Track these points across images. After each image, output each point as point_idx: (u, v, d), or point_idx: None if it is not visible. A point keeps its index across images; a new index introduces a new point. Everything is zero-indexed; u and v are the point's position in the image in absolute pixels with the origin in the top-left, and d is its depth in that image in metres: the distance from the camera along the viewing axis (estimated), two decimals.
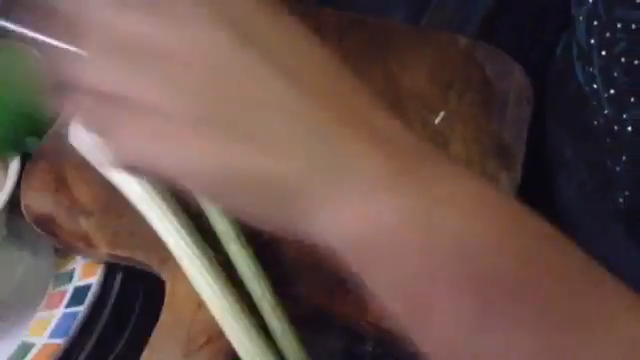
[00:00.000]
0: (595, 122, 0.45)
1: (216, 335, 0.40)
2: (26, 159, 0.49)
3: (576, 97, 0.48)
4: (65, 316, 0.45)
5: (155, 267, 0.44)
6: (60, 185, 0.48)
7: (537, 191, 0.50)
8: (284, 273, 0.43)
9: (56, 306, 0.46)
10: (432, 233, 0.26)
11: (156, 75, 0.26)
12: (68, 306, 0.45)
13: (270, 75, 0.26)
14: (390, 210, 0.26)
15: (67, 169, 0.48)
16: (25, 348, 0.44)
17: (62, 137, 0.49)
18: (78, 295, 0.45)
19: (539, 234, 0.26)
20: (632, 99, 0.41)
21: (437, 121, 0.51)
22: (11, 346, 0.45)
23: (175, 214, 0.43)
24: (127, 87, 0.26)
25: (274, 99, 0.26)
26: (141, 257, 0.44)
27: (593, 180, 0.47)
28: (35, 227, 0.46)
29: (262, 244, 0.44)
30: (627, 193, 0.43)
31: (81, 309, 0.44)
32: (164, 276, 0.43)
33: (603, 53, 0.43)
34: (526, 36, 0.62)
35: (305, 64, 0.27)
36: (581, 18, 0.46)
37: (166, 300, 0.42)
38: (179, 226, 0.43)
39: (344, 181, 0.26)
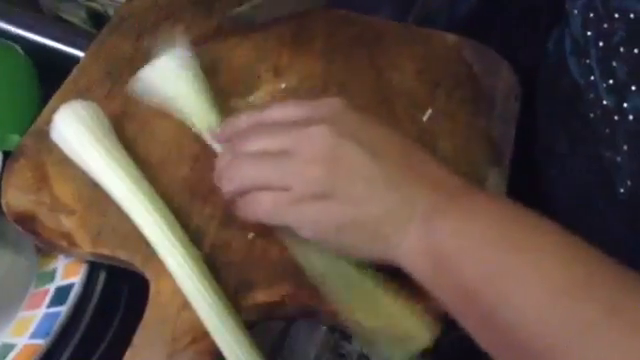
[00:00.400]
0: (591, 114, 0.45)
1: (201, 335, 0.40)
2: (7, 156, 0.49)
3: (570, 91, 0.48)
4: (47, 316, 0.44)
5: (139, 266, 0.43)
6: (42, 183, 0.47)
7: (529, 189, 0.50)
8: (269, 273, 0.43)
9: (38, 306, 0.45)
10: (467, 240, 0.36)
11: (285, 169, 0.40)
12: (50, 306, 0.44)
13: (357, 154, 0.39)
14: (438, 230, 0.37)
15: (49, 166, 0.47)
16: (5, 349, 0.43)
17: (44, 134, 0.48)
18: (60, 295, 0.44)
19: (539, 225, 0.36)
20: (633, 87, 0.41)
21: (425, 118, 0.50)
22: None
23: (159, 212, 0.43)
24: (271, 178, 0.41)
25: (361, 170, 0.39)
26: (124, 256, 0.43)
27: (591, 173, 0.46)
28: (16, 225, 0.45)
29: (247, 243, 0.44)
30: (629, 183, 0.43)
31: (63, 309, 0.43)
32: (148, 275, 0.43)
33: (600, 44, 0.43)
34: (515, 34, 0.62)
35: (378, 142, 0.40)
36: (576, 11, 0.46)
37: (150, 299, 0.42)
38: (163, 224, 0.42)
39: (410, 216, 0.38)
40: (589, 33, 0.44)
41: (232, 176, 0.42)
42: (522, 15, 0.62)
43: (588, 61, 0.45)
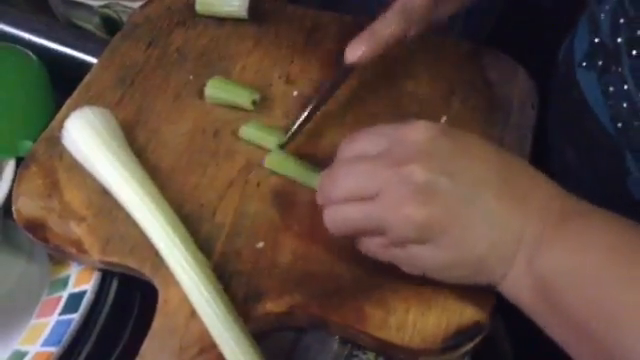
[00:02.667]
0: (620, 124, 0.43)
1: (209, 345, 0.39)
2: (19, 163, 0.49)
3: (577, 104, 0.46)
4: (59, 323, 0.44)
5: (148, 274, 0.43)
6: (52, 189, 0.47)
7: None
8: (279, 283, 0.42)
9: (50, 313, 0.45)
10: (577, 273, 0.35)
11: (376, 216, 0.38)
12: (62, 313, 0.44)
13: (450, 193, 0.37)
14: (545, 263, 0.36)
15: (60, 173, 0.47)
16: (18, 356, 0.43)
17: (56, 140, 0.48)
18: (73, 302, 0.44)
19: None
20: None
21: None
22: (3, 354, 0.44)
23: (168, 219, 0.42)
24: (363, 226, 0.40)
25: (457, 210, 0.37)
26: (133, 264, 0.43)
27: (604, 186, 0.45)
28: (26, 232, 0.45)
29: (257, 253, 0.44)
30: None
31: (75, 316, 0.43)
32: (157, 283, 0.42)
33: (634, 53, 0.41)
34: (530, 39, 0.61)
35: (473, 170, 0.38)
36: (603, 16, 0.44)
37: (158, 308, 0.41)
38: (172, 232, 0.42)
39: (515, 249, 0.37)
40: (619, 40, 0.42)
41: (328, 222, 0.41)
42: (536, 21, 0.60)
43: (620, 69, 0.42)
